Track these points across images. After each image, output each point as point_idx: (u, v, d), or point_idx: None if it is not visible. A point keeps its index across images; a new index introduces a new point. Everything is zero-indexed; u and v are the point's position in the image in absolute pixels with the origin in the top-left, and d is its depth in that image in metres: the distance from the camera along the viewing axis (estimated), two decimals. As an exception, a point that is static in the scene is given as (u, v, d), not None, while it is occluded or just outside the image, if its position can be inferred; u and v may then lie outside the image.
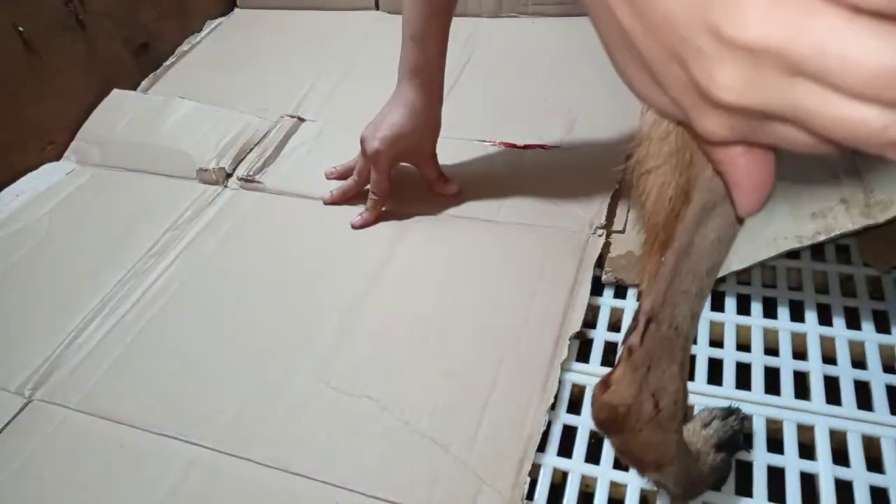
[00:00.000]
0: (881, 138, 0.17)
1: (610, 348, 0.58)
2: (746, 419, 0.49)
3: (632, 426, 0.37)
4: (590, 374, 0.56)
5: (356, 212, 0.72)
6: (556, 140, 0.78)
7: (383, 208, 0.72)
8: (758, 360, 0.55)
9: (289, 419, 0.55)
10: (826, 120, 0.17)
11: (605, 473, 0.49)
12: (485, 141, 0.79)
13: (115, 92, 0.95)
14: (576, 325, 0.58)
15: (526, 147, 0.77)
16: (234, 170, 0.81)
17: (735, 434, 0.47)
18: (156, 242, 0.73)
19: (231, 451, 0.53)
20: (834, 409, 0.51)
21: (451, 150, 0.75)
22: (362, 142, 0.68)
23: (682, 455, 0.41)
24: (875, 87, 0.16)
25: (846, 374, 0.53)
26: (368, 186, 0.70)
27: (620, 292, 0.62)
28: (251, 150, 0.83)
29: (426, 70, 0.65)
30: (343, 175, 0.76)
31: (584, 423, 0.53)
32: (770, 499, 0.46)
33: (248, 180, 0.79)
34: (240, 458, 0.52)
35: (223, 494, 0.50)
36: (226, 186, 0.80)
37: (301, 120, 0.88)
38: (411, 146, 0.68)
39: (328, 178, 0.77)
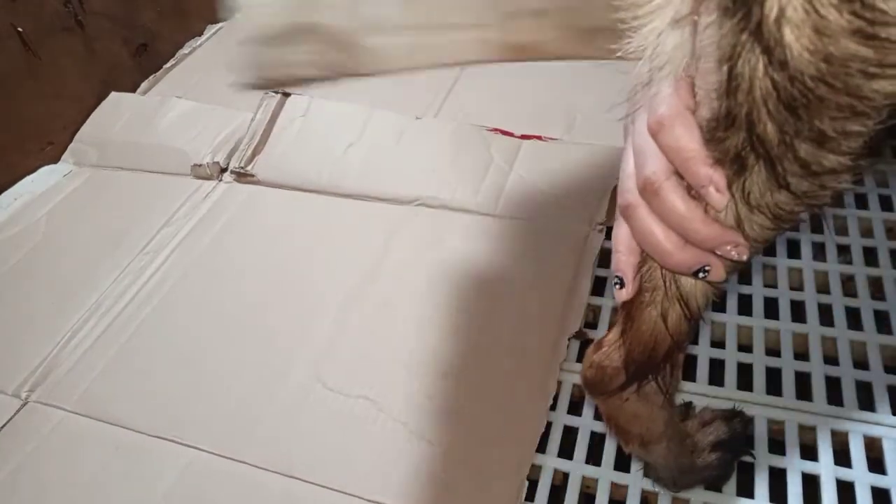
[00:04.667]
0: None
1: (610, 349, 0.57)
2: (750, 422, 0.49)
3: (615, 390, 0.37)
4: (590, 374, 0.55)
5: (352, 207, 0.71)
6: (556, 136, 0.77)
7: None
8: (759, 361, 0.54)
9: (285, 420, 0.54)
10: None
11: (605, 474, 0.49)
12: (482, 126, 0.78)
13: (113, 94, 0.95)
14: (574, 325, 0.57)
15: (523, 137, 0.77)
16: (228, 164, 0.81)
17: (737, 436, 0.47)
18: (150, 240, 0.73)
19: (227, 453, 0.53)
20: (836, 409, 0.50)
21: (447, 134, 0.75)
22: None
23: (671, 438, 0.41)
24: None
25: (848, 375, 0.52)
26: None
27: (620, 293, 0.62)
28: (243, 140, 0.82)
29: None
30: None
31: (585, 423, 0.52)
32: (771, 499, 0.46)
33: (241, 173, 0.79)
34: (236, 461, 0.52)
35: (219, 497, 0.50)
36: (220, 181, 0.80)
37: (286, 95, 0.85)
38: None
39: None
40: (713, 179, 0.27)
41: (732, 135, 0.26)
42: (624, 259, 0.33)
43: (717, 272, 0.30)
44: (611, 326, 0.38)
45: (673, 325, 0.33)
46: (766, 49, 0.22)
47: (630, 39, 0.27)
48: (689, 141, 0.28)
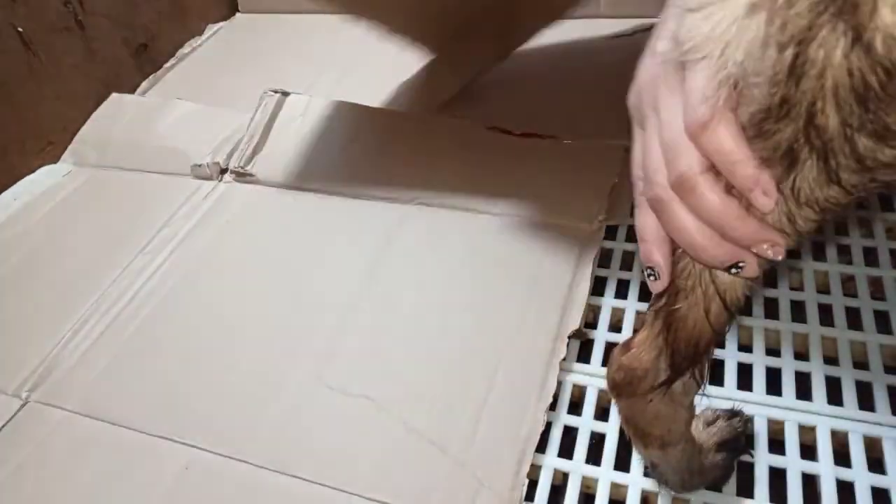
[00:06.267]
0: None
1: (611, 349, 0.57)
2: (750, 422, 0.49)
3: (644, 391, 0.37)
4: (590, 374, 0.55)
5: (352, 206, 0.71)
6: (554, 135, 0.77)
7: None
8: (759, 361, 0.54)
9: (286, 419, 0.54)
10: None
11: (605, 474, 0.49)
12: (481, 125, 0.78)
13: (114, 95, 0.95)
14: (574, 324, 0.57)
15: (523, 135, 0.76)
16: (228, 164, 0.81)
17: (738, 436, 0.47)
18: (150, 240, 0.73)
19: (227, 452, 0.53)
20: (836, 409, 0.50)
21: (444, 132, 0.75)
22: None
23: (688, 442, 0.41)
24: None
25: (848, 375, 0.52)
26: None
27: (621, 292, 0.62)
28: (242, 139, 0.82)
29: None
30: None
31: (585, 423, 0.52)
32: (771, 499, 0.46)
33: (241, 173, 0.79)
34: (236, 460, 0.52)
35: (220, 497, 0.50)
36: (220, 181, 0.80)
37: (285, 94, 0.85)
38: None
39: None
40: (761, 182, 0.27)
41: (785, 127, 0.25)
42: (654, 250, 0.32)
43: (752, 268, 0.30)
44: (640, 328, 0.37)
45: (714, 318, 0.33)
46: (854, 27, 0.21)
47: (690, 31, 0.25)
48: (734, 143, 0.26)
